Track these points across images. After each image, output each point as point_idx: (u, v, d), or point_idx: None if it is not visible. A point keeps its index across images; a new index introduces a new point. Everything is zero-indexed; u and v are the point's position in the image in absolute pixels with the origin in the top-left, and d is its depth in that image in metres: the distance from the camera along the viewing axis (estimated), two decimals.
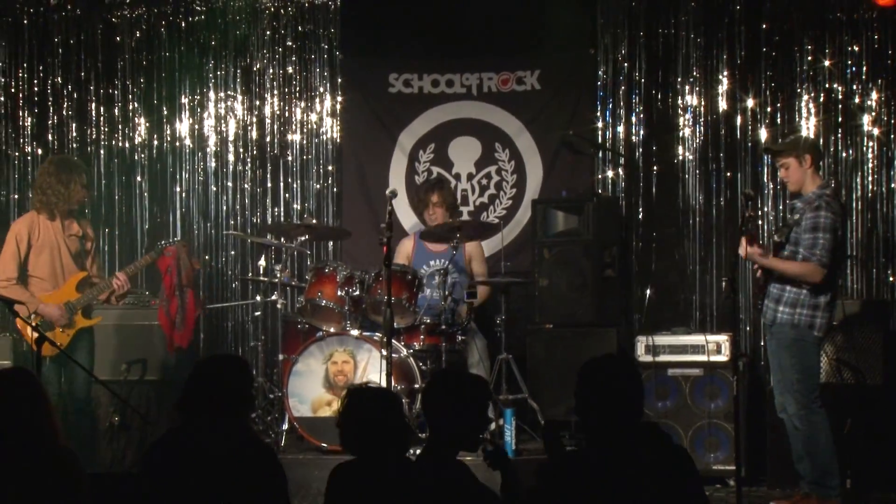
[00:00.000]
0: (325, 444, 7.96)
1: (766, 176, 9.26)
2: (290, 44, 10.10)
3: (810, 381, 7.32)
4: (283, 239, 9.02)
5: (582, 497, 4.29)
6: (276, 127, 10.12)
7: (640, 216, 9.55)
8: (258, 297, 9.11)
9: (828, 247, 7.19)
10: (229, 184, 10.12)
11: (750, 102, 9.28)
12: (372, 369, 8.11)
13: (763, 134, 9.24)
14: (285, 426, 8.29)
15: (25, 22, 10.16)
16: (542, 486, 4.43)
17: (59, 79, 10.17)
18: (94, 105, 10.17)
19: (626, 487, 4.26)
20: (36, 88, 10.16)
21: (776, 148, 7.69)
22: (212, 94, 10.14)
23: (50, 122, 10.16)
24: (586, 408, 4.43)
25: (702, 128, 9.43)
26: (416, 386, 8.18)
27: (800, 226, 7.26)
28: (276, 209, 10.08)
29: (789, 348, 7.32)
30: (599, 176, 9.64)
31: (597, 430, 4.44)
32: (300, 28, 10.10)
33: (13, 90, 10.17)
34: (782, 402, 7.45)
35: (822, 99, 9.13)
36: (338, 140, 10.09)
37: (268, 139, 10.11)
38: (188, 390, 4.81)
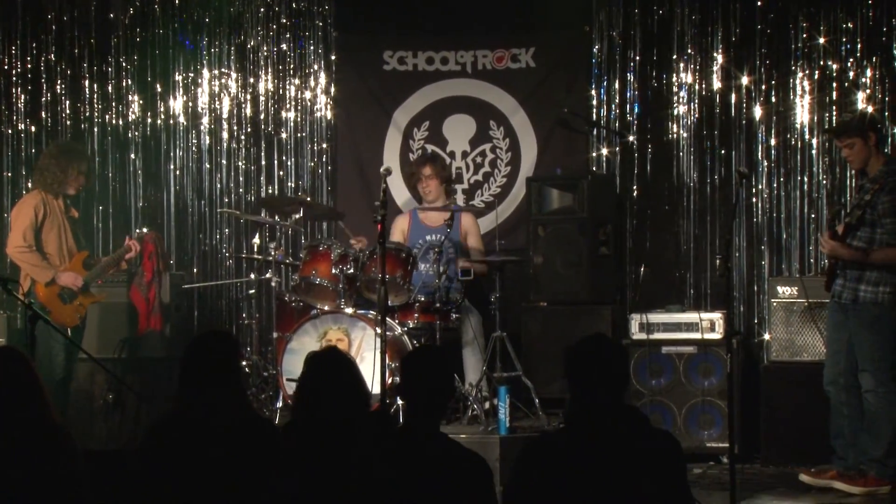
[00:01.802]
0: None
1: (760, 153, 9.26)
2: (284, 21, 10.06)
3: (889, 359, 7.29)
4: (277, 217, 9.01)
5: (558, 477, 4.30)
6: (270, 104, 10.10)
7: (635, 194, 9.55)
8: (252, 276, 9.12)
9: None
10: (223, 161, 10.11)
11: (745, 80, 9.27)
12: (366, 347, 8.11)
13: (758, 111, 9.23)
14: (279, 404, 8.30)
15: None
16: (520, 464, 4.45)
17: (53, 56, 10.13)
18: (87, 82, 10.14)
19: (602, 468, 4.26)
20: (29, 65, 10.13)
21: (842, 127, 7.64)
22: (206, 72, 10.12)
23: (43, 99, 10.13)
24: (572, 387, 4.46)
25: (696, 105, 9.42)
26: None
27: (874, 208, 7.21)
28: (271, 187, 10.06)
29: (871, 326, 7.28)
30: (594, 154, 9.63)
31: (576, 411, 4.45)
32: (294, 5, 10.06)
33: (6, 67, 10.13)
34: (832, 377, 7.43)
35: (816, 76, 9.12)
36: (332, 118, 10.07)
37: (262, 117, 10.10)
38: (181, 368, 4.85)
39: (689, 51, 9.41)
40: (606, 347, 4.52)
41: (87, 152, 8.90)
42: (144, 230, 8.87)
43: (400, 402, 7.49)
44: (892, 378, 7.27)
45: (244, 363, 8.71)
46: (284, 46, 10.07)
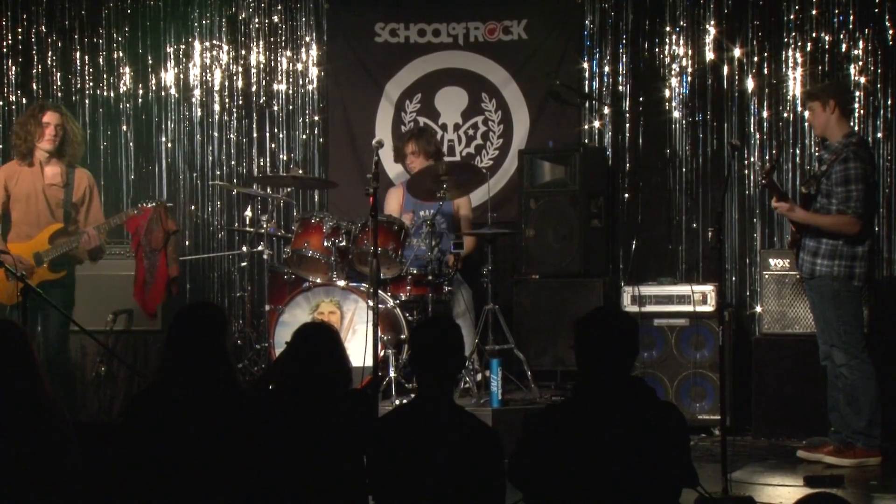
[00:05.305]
0: None
1: (752, 125, 9.25)
2: None
3: (856, 332, 7.30)
4: (269, 189, 8.99)
5: (566, 446, 4.32)
6: (261, 76, 10.08)
7: (627, 166, 9.55)
8: (244, 248, 9.10)
9: (862, 197, 7.16)
10: (215, 134, 10.09)
11: (737, 52, 9.26)
12: (358, 320, 8.13)
13: (750, 83, 9.23)
14: None
15: None
16: (527, 434, 4.46)
17: (44, 27, 10.09)
18: (78, 54, 10.11)
19: (611, 438, 4.29)
20: (20, 37, 10.09)
21: (806, 91, 7.70)
22: (197, 44, 10.08)
23: (34, 70, 10.09)
24: (581, 357, 4.46)
25: (688, 77, 9.41)
26: (403, 336, 8.20)
27: (829, 178, 7.22)
28: (262, 159, 10.06)
29: (832, 301, 7.28)
30: (586, 126, 9.63)
31: (586, 381, 4.47)
32: None
33: None
34: (826, 352, 7.40)
35: (808, 48, 9.11)
36: (324, 90, 10.05)
37: (253, 89, 10.08)
38: (167, 340, 4.86)
39: (682, 22, 9.40)
40: (617, 320, 4.54)
41: (52, 102, 8.61)
42: (157, 201, 8.67)
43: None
44: (862, 349, 7.29)
45: (236, 336, 8.71)
46: (276, 18, 10.04)
